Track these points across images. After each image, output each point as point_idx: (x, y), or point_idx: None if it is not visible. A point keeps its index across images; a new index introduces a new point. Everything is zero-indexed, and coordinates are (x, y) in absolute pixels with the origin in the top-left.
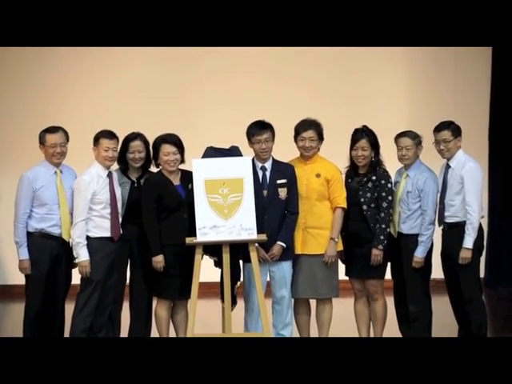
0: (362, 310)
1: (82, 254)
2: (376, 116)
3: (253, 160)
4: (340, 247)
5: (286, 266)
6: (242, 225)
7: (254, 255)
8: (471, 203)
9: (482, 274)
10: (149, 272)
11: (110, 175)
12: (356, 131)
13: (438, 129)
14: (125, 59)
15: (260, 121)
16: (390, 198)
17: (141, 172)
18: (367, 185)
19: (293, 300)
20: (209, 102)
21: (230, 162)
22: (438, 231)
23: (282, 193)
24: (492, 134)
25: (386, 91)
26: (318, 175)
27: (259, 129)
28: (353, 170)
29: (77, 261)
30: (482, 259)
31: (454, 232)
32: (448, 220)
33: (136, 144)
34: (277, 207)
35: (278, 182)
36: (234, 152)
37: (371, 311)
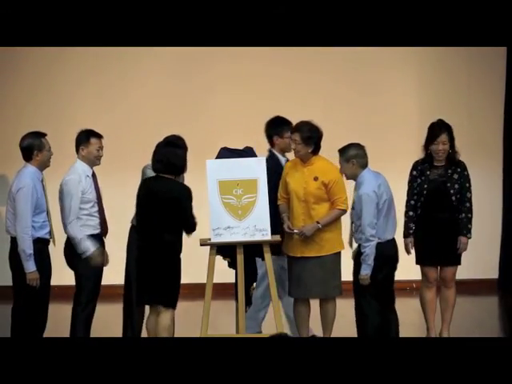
0: (433, 299)
1: (90, 245)
2: (387, 116)
3: (276, 156)
4: (341, 248)
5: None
6: (256, 226)
7: (268, 256)
8: None
9: (496, 276)
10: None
11: (93, 174)
12: (434, 125)
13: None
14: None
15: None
16: (471, 188)
17: None
18: (453, 176)
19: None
20: (223, 103)
21: (244, 163)
22: None
23: None
24: (507, 136)
25: (398, 91)
26: (315, 178)
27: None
28: (427, 162)
29: (88, 253)
30: (497, 261)
31: None
32: None
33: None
34: None
35: None
36: (248, 153)
37: (442, 299)
